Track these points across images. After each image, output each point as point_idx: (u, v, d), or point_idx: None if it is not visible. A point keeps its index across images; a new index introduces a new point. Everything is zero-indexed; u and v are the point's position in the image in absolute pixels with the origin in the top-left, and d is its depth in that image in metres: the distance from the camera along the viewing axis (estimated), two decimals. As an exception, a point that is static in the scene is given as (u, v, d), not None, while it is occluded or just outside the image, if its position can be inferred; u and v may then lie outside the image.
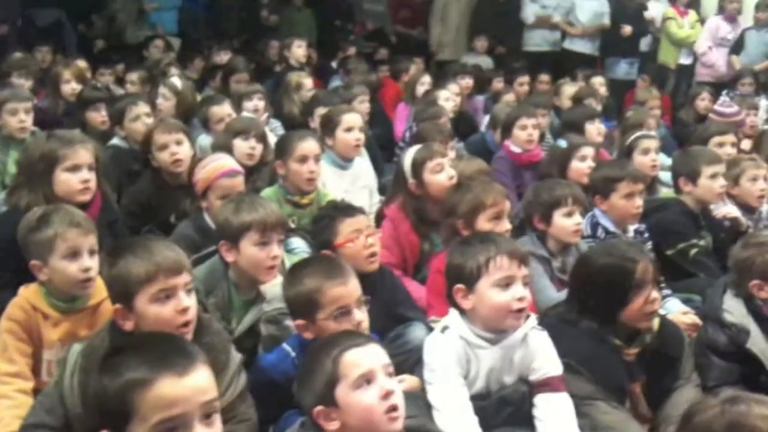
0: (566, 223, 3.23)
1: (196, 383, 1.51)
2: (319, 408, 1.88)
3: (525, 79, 7.38)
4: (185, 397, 1.49)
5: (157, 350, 1.54)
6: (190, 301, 2.11)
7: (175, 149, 3.70)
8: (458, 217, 3.08)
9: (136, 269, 2.07)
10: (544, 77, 7.52)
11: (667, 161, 4.99)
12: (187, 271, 2.14)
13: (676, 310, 3.24)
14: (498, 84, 7.31)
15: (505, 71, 7.56)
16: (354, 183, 4.29)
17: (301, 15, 8.44)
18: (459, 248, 2.43)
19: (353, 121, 4.29)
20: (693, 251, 3.68)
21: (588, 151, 4.19)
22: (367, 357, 1.89)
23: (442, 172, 3.55)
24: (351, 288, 2.31)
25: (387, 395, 1.87)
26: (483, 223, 3.05)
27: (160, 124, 3.87)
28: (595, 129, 5.05)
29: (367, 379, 1.87)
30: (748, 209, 4.00)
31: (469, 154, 5.18)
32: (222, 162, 3.34)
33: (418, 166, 3.57)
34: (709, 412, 1.60)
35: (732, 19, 7.63)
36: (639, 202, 3.57)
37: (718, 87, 7.31)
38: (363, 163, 4.50)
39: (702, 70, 7.73)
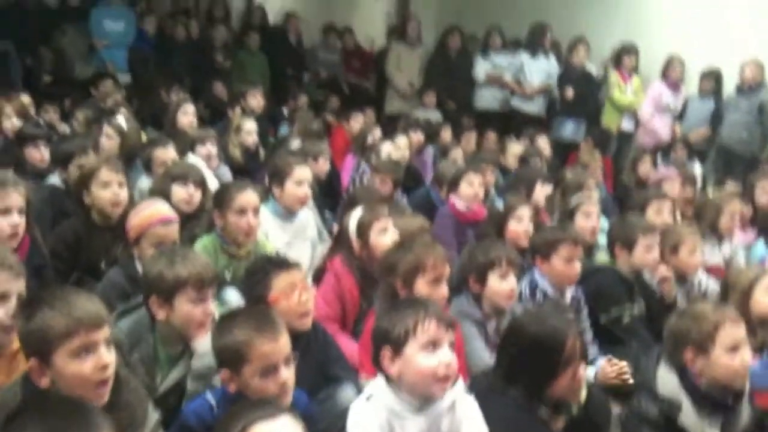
0: (500, 285, 3.24)
1: None
2: None
3: (473, 136, 7.50)
4: None
5: (59, 421, 1.47)
6: (110, 357, 2.05)
7: (118, 190, 3.64)
8: (397, 277, 3.04)
9: (55, 323, 1.99)
10: (492, 135, 7.65)
11: (605, 224, 5.09)
12: (107, 324, 2.08)
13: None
14: (446, 136, 7.40)
15: (453, 127, 7.65)
16: (297, 235, 4.24)
17: (254, 59, 8.44)
18: (387, 312, 2.40)
19: (304, 175, 4.23)
20: (626, 318, 3.74)
21: (524, 211, 4.23)
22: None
23: (387, 234, 3.57)
24: (281, 344, 2.27)
25: None
26: (421, 286, 3.01)
27: (107, 163, 3.79)
28: (542, 191, 5.11)
29: None
30: (681, 279, 4.08)
31: (413, 208, 5.22)
32: (157, 209, 3.28)
33: (364, 227, 3.58)
34: None
35: (675, 86, 7.82)
36: (578, 265, 3.62)
37: (658, 152, 7.50)
38: (307, 215, 4.45)
39: (643, 135, 7.89)
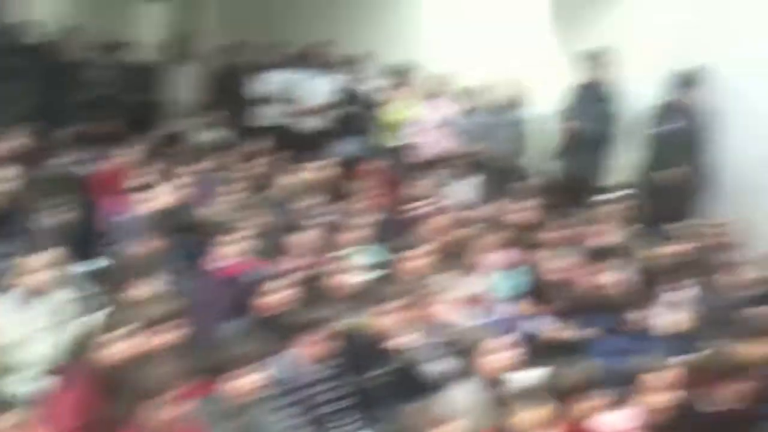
0: (238, 385, 3.24)
1: None
2: None
3: (256, 159, 7.37)
4: None
5: None
6: None
7: None
8: (121, 403, 2.93)
9: None
10: (274, 156, 7.54)
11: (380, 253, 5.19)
12: None
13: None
14: (232, 160, 7.24)
15: (235, 149, 7.51)
16: (42, 325, 3.84)
17: (15, 86, 7.69)
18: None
19: (49, 259, 3.85)
20: (374, 384, 3.84)
21: (276, 284, 4.16)
22: None
23: (127, 343, 3.34)
24: None
25: None
26: (157, 410, 2.90)
27: None
28: (297, 241, 4.95)
29: None
30: (432, 330, 4.25)
31: (183, 258, 5.00)
32: None
33: (100, 339, 3.33)
34: None
35: (446, 102, 8.13)
36: (331, 343, 3.70)
37: (431, 168, 7.77)
38: (60, 297, 3.98)
39: (417, 151, 8.11)
